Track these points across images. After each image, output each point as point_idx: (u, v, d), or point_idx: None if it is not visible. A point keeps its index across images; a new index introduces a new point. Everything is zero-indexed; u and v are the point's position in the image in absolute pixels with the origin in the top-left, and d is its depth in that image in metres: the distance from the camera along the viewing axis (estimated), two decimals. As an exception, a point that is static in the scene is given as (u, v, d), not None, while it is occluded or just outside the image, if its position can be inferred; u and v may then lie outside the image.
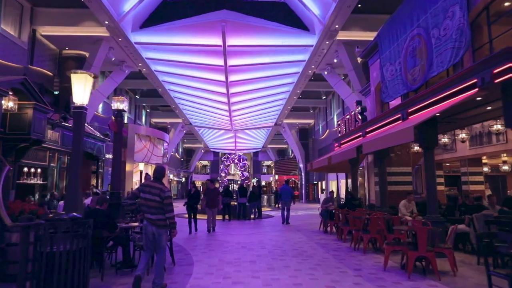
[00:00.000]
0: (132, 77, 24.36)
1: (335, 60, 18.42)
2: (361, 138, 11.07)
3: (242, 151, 48.67)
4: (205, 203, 11.02)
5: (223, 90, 22.38)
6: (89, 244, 4.56)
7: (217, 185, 15.09)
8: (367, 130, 10.72)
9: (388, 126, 9.16)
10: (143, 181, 23.17)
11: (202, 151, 51.54)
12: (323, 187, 31.58)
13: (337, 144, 13.95)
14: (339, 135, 13.66)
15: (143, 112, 32.54)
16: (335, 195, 16.77)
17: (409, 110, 8.22)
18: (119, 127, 10.47)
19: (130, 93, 28.47)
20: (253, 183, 33.84)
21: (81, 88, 5.46)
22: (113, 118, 10.24)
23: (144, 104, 31.87)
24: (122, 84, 25.69)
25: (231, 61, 18.60)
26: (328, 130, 30.35)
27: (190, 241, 9.72)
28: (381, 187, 10.15)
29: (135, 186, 22.80)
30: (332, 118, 29.20)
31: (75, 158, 5.41)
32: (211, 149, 51.18)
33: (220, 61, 18.59)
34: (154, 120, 34.62)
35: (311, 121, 35.94)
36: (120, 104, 10.51)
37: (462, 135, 11.53)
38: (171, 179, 38.56)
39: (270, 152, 51.39)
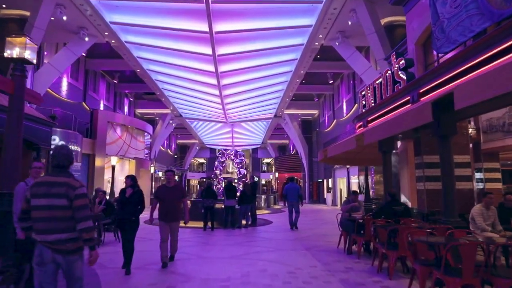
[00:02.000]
0: (107, 56, 20.31)
1: (350, 23, 14.25)
2: (409, 105, 6.93)
3: (240, 147, 44.62)
4: (159, 213, 6.56)
5: (211, 68, 18.27)
6: None
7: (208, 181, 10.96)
8: (422, 91, 6.56)
9: (485, 68, 5.00)
10: (115, 178, 19.13)
11: (197, 147, 47.52)
12: (330, 185, 27.44)
13: (360, 123, 9.81)
14: (364, 110, 9.50)
15: (126, 101, 28.40)
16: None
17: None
18: (16, 87, 6.38)
19: (107, 76, 24.34)
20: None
21: None
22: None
23: (127, 92, 27.74)
24: (95, 65, 21.64)
25: (218, 27, 14.48)
26: (335, 121, 26.20)
27: (123, 279, 5.61)
28: (446, 184, 6.02)
29: (107, 185, 18.74)
30: (340, 105, 25.04)
31: None
32: (207, 145, 47.12)
33: (204, 27, 14.48)
34: (139, 111, 30.51)
35: (315, 112, 31.76)
36: (20, 50, 6.42)
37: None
38: (161, 177, 34.46)
39: (270, 149, 47.30)
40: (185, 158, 47.09)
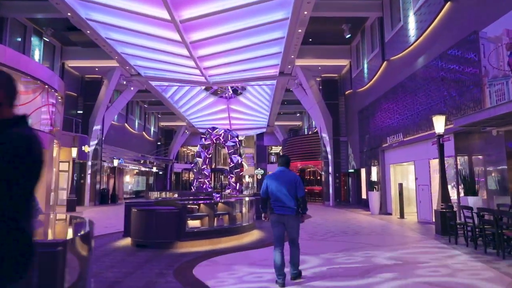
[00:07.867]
0: None
1: None
2: None
3: (241, 131, 33.23)
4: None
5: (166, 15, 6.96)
6: None
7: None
8: None
9: None
10: None
11: (187, 132, 36.29)
12: (374, 178, 15.55)
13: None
14: None
15: (39, 43, 17.07)
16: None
17: None
18: None
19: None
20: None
21: None
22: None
23: (43, 29, 16.44)
24: None
25: None
26: (385, 63, 14.33)
27: None
28: None
29: None
30: (399, 29, 13.13)
31: None
32: (199, 129, 35.85)
33: None
34: (71, 63, 19.23)
35: (344, 63, 19.66)
36: None
37: None
38: (117, 167, 23.28)
39: (279, 133, 35.62)
40: (171, 145, 35.93)
